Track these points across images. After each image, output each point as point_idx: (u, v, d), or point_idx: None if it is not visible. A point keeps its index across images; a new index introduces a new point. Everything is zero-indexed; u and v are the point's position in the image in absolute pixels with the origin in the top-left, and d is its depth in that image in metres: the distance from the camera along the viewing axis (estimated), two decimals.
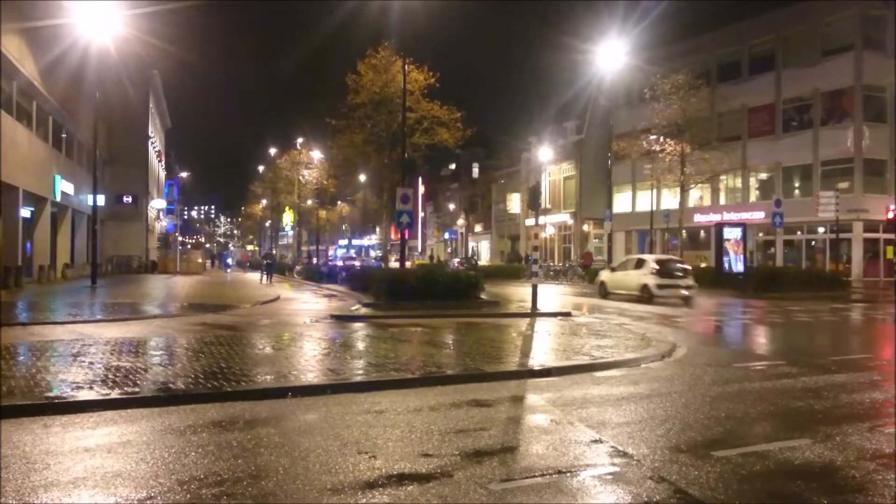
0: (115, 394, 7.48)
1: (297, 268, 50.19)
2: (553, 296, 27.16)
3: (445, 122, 31.96)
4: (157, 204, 61.67)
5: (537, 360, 10.35)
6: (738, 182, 42.86)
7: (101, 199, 35.78)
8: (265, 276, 38.20)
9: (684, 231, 39.49)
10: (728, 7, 41.95)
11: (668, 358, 11.02)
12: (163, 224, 67.87)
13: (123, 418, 6.87)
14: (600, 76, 44.11)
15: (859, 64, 36.13)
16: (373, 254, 79.44)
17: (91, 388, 7.73)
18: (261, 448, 5.86)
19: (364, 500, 4.66)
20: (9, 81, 27.11)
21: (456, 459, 5.55)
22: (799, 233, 38.90)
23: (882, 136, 36.11)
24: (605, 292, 26.08)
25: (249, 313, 18.38)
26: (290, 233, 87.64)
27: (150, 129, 55.96)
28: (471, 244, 74.32)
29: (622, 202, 50.04)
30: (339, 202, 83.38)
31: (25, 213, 30.80)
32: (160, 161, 66.69)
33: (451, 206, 78.36)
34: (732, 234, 28.91)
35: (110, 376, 8.35)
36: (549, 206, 54.39)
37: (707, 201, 44.65)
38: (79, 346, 10.74)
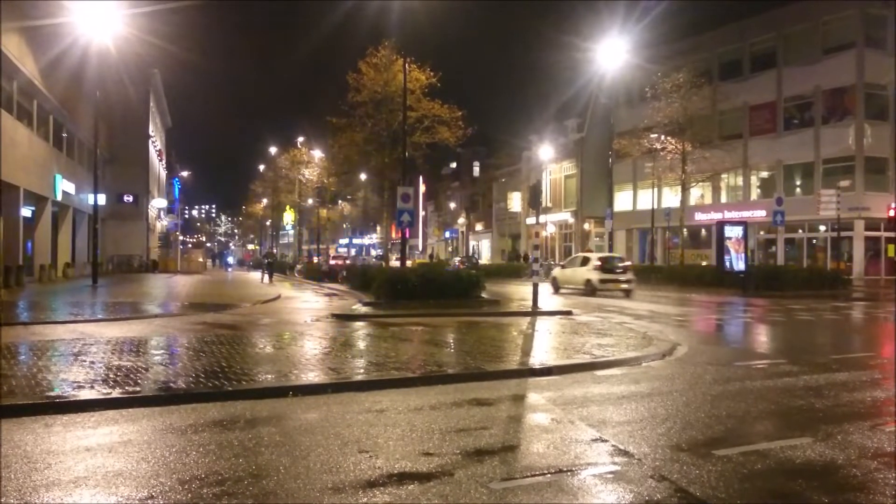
0: (116, 393, 7.49)
1: (298, 267, 50.21)
2: (554, 295, 27.15)
3: (446, 120, 31.97)
4: (158, 203, 61.73)
5: (538, 358, 10.34)
6: (740, 180, 42.87)
7: (101, 199, 35.81)
8: (266, 276, 38.22)
9: (685, 229, 39.48)
10: (729, 6, 42.00)
11: (669, 356, 11.01)
12: (164, 223, 67.96)
13: (125, 417, 6.87)
14: (601, 74, 43.99)
15: (861, 62, 36.11)
16: (373, 253, 79.46)
17: (92, 387, 7.74)
18: (262, 447, 5.86)
19: (365, 499, 4.66)
20: (9, 81, 27.12)
21: (457, 458, 5.55)
22: (800, 231, 38.89)
23: (883, 134, 36.11)
24: (556, 287, 28.38)
25: (250, 312, 18.39)
26: (291, 232, 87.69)
27: (151, 128, 55.96)
28: (472, 243, 74.33)
29: (623, 201, 50.00)
30: (339, 201, 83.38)
31: (26, 212, 30.82)
32: (161, 160, 66.69)
33: (452, 205, 78.37)
34: (733, 232, 28.82)
35: (111, 375, 8.35)
36: (549, 204, 54.40)
37: (708, 200, 44.65)
38: (80, 346, 10.74)
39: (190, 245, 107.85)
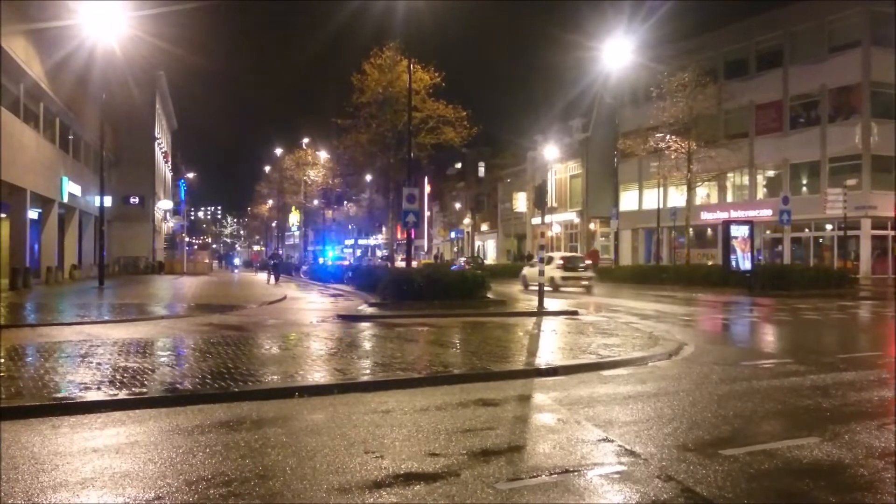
0: (122, 394, 7.50)
1: (304, 268, 50.28)
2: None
3: (451, 121, 31.98)
4: (164, 205, 61.90)
5: (544, 359, 10.33)
6: (746, 179, 42.74)
7: (108, 201, 35.95)
8: (272, 277, 38.28)
9: (691, 229, 39.40)
10: (735, 5, 41.93)
11: (676, 356, 10.99)
12: (170, 225, 68.15)
13: (131, 419, 6.89)
14: (606, 74, 44.02)
15: (867, 60, 35.98)
16: (379, 253, 79.50)
17: (99, 388, 7.76)
18: (268, 448, 5.87)
19: (371, 500, 4.66)
20: (16, 83, 27.22)
21: (463, 459, 5.55)
22: (807, 230, 38.75)
23: (890, 133, 35.91)
24: (525, 284, 29.77)
25: (256, 313, 18.42)
26: (297, 233, 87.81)
27: (157, 130, 56.12)
28: (477, 243, 74.27)
29: (629, 200, 49.94)
30: (345, 202, 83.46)
31: (33, 214, 30.94)
32: (167, 162, 66.88)
33: (457, 206, 78.32)
34: (740, 231, 28.77)
35: (118, 377, 8.37)
36: (555, 204, 54.30)
37: (714, 199, 44.54)
38: (87, 347, 10.78)
39: (196, 246, 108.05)
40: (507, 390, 8.36)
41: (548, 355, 10.75)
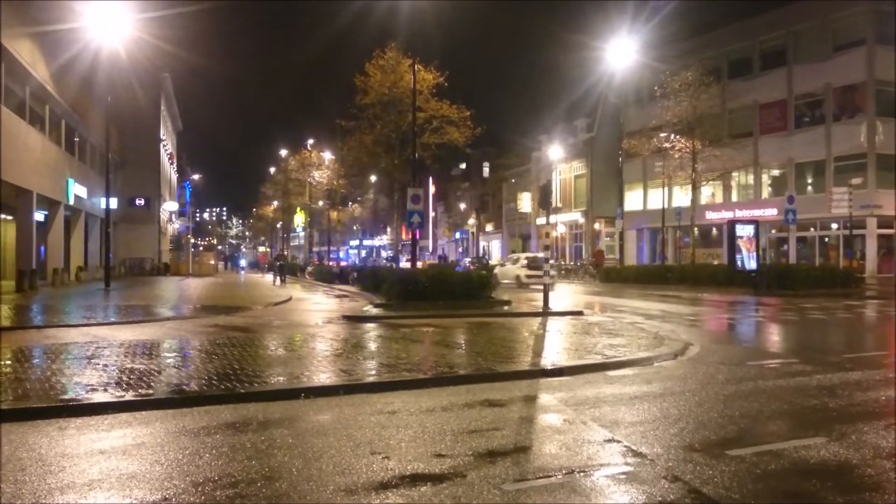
0: (129, 396, 7.52)
1: (309, 269, 50.36)
2: (564, 295, 27.12)
3: (455, 121, 31.91)
4: (170, 206, 62.06)
5: (549, 359, 10.33)
6: (750, 179, 42.66)
7: (113, 202, 36.06)
8: (278, 278, 38.33)
9: (696, 228, 39.33)
10: (738, 4, 41.79)
11: (682, 356, 10.97)
12: (175, 226, 68.29)
13: (138, 420, 6.91)
14: (610, 74, 43.98)
15: (871, 59, 35.88)
16: (384, 254, 79.55)
17: (105, 390, 7.78)
18: (274, 449, 5.88)
19: (378, 501, 4.67)
20: (22, 85, 27.33)
21: (469, 460, 5.55)
22: (812, 229, 38.66)
23: (894, 132, 35.80)
24: (497, 282, 30.31)
25: (262, 315, 18.44)
26: (302, 234, 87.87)
27: (162, 131, 56.26)
28: (482, 244, 74.29)
29: (633, 200, 49.88)
30: (350, 203, 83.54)
31: (39, 216, 31.04)
32: (172, 164, 67.05)
33: (462, 206, 78.33)
34: (745, 231, 28.69)
35: (124, 378, 8.39)
36: (559, 204, 54.29)
37: (719, 198, 44.47)
38: (93, 349, 10.81)
39: (201, 248, 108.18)
40: (512, 391, 8.36)
41: (553, 356, 10.74)
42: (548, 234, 25.39)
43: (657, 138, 37.31)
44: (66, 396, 7.47)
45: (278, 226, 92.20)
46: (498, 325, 15.06)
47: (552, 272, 30.70)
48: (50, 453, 5.78)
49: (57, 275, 31.25)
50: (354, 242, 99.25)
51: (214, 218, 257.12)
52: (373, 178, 62.08)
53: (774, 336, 15.08)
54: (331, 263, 52.38)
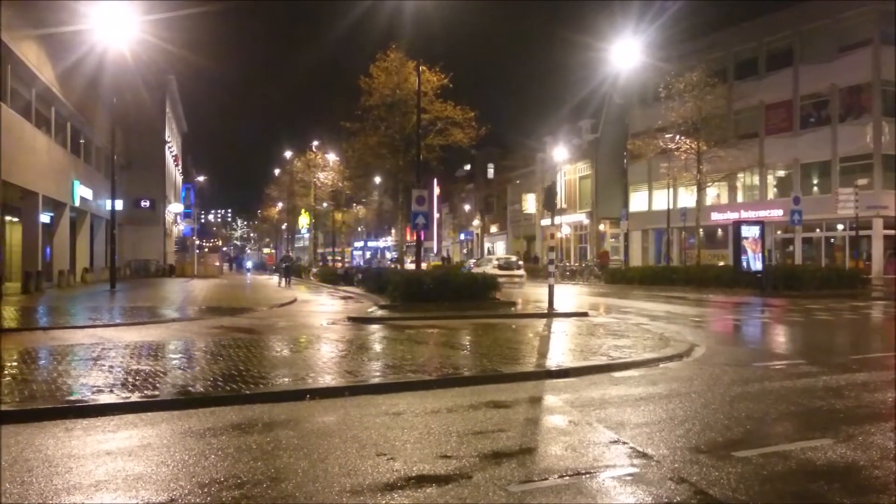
0: (135, 397, 7.54)
1: (314, 270, 50.38)
2: (569, 296, 27.09)
3: (459, 122, 31.90)
4: (175, 208, 62.15)
5: (554, 360, 10.32)
6: (756, 180, 42.55)
7: (119, 204, 36.09)
8: (283, 279, 38.37)
9: (701, 230, 39.27)
10: (744, 5, 41.73)
11: (687, 358, 10.96)
12: (180, 228, 68.42)
13: (144, 421, 6.93)
14: (615, 75, 43.88)
15: (877, 59, 35.78)
16: (388, 255, 79.56)
17: (111, 391, 7.79)
18: (280, 450, 5.89)
19: (383, 502, 4.67)
20: (28, 88, 27.40)
21: (474, 461, 5.54)
22: (818, 230, 38.55)
23: None
24: None
25: (267, 316, 18.45)
26: (307, 235, 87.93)
27: (167, 133, 56.36)
28: (486, 245, 74.24)
29: (638, 201, 49.80)
30: (354, 204, 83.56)
31: (45, 218, 31.09)
32: (177, 165, 67.16)
33: (467, 207, 78.33)
34: (750, 232, 28.66)
35: (130, 380, 8.41)
36: (564, 205, 54.27)
37: (724, 199, 44.36)
38: (99, 350, 10.83)
39: (206, 249, 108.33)
40: (517, 392, 8.35)
41: (558, 357, 10.73)
42: (553, 236, 25.26)
43: (662, 139, 37.25)
44: (72, 398, 7.49)
45: (283, 227, 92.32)
46: (503, 327, 15.05)
47: (522, 272, 34.82)
48: (56, 454, 5.79)
49: (63, 276, 31.30)
50: (359, 243, 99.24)
51: (219, 219, 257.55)
52: (377, 180, 61.99)
53: (780, 337, 15.04)
54: (337, 265, 52.36)
